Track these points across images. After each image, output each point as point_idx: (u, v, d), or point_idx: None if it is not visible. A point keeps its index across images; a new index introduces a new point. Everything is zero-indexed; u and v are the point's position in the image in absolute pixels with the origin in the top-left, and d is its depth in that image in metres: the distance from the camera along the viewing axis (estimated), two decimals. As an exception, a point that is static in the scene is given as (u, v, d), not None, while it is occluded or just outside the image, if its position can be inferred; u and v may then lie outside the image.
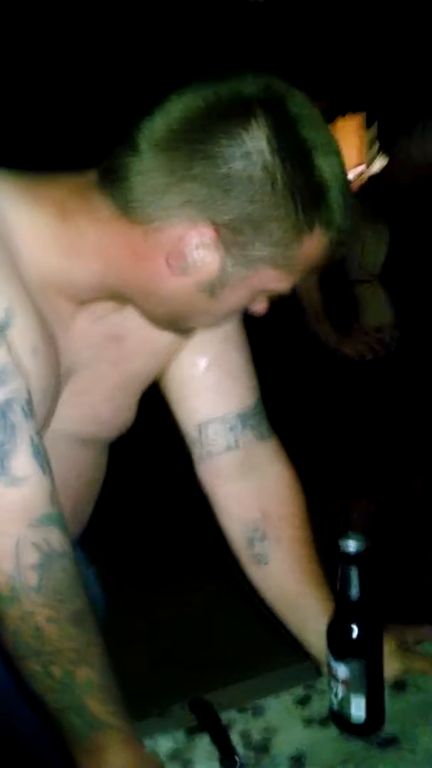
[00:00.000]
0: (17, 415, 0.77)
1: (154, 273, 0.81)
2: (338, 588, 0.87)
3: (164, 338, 0.94)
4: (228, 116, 0.74)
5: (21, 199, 0.81)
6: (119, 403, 1.00)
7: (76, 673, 0.76)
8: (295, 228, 0.77)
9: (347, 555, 0.84)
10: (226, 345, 1.01)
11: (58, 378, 0.87)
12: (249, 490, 1.01)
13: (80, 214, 0.81)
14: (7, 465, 0.75)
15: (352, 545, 0.84)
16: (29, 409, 0.79)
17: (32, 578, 0.76)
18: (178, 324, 0.89)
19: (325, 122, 0.80)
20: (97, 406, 0.97)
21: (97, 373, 0.94)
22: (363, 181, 2.44)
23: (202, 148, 0.74)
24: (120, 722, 0.78)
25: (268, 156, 0.73)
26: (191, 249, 0.77)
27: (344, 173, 0.80)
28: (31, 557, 0.76)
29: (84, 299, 0.87)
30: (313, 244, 0.79)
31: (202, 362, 1.00)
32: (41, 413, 0.84)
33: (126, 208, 0.78)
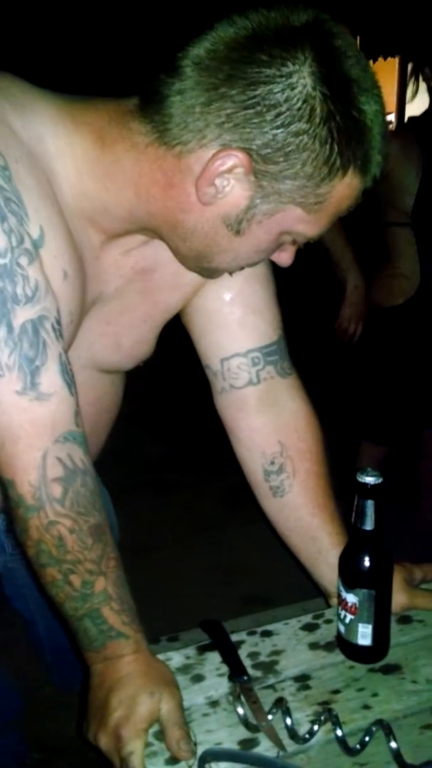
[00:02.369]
0: (48, 333, 0.78)
1: (182, 203, 0.80)
2: (353, 519, 0.88)
3: (192, 272, 0.94)
4: (275, 42, 0.72)
5: (62, 123, 0.81)
6: (142, 334, 1.01)
7: (94, 583, 0.80)
8: (329, 164, 0.75)
9: (364, 487, 0.86)
10: (252, 280, 1.00)
11: (83, 305, 0.88)
12: (269, 424, 1.03)
13: (119, 141, 0.80)
14: (37, 381, 0.77)
15: (369, 478, 0.85)
16: (59, 329, 0.80)
17: (56, 490, 0.78)
18: (202, 263, 0.88)
19: (369, 65, 0.77)
20: (121, 335, 0.99)
21: (124, 304, 0.95)
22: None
23: (243, 69, 0.72)
24: (134, 633, 0.82)
25: (310, 86, 0.72)
26: (221, 174, 0.75)
27: (385, 118, 0.78)
28: (56, 470, 0.78)
29: (114, 232, 0.88)
30: (345, 186, 0.77)
31: (227, 296, 1.00)
32: (66, 337, 0.85)
33: (162, 129, 0.77)
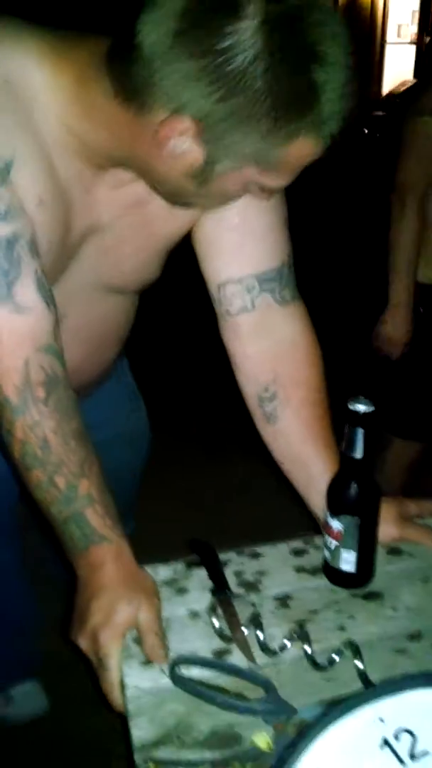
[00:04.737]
0: (23, 250, 0.81)
1: (148, 153, 0.81)
2: (343, 447, 0.88)
3: None
4: (220, 8, 0.70)
5: (46, 58, 0.83)
6: (142, 260, 1.03)
7: (78, 486, 0.83)
8: (275, 130, 0.74)
9: (355, 415, 0.85)
10: (253, 206, 0.98)
11: (68, 233, 0.90)
12: (263, 351, 1.03)
13: (94, 83, 0.81)
14: (13, 292, 0.81)
15: (360, 406, 0.85)
16: (34, 249, 0.83)
17: (40, 392, 0.82)
18: (179, 202, 0.90)
19: (333, 13, 0.75)
20: (121, 263, 1.01)
21: (121, 234, 0.98)
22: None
23: (190, 35, 0.70)
24: (117, 537, 0.85)
25: (251, 52, 0.69)
26: (174, 137, 0.76)
27: (343, 76, 0.74)
28: (39, 375, 0.83)
29: (101, 166, 0.89)
30: (299, 149, 0.77)
31: (226, 222, 0.99)
32: (48, 262, 0.88)
33: (122, 87, 0.78)
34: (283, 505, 1.08)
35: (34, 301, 0.83)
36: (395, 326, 1.86)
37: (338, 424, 0.96)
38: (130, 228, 0.97)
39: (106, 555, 0.84)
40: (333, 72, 0.72)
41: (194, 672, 0.80)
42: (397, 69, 11.74)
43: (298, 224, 1.05)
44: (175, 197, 0.89)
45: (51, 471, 0.82)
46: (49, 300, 0.84)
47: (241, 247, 0.99)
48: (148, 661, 0.82)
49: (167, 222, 0.98)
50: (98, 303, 1.04)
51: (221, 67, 0.70)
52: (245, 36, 0.69)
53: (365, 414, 0.85)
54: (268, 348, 1.02)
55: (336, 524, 0.89)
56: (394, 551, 0.99)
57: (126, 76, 0.76)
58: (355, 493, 0.88)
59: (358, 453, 0.87)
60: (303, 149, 0.77)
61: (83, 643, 0.83)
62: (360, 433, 0.86)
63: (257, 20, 0.69)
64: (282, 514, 1.12)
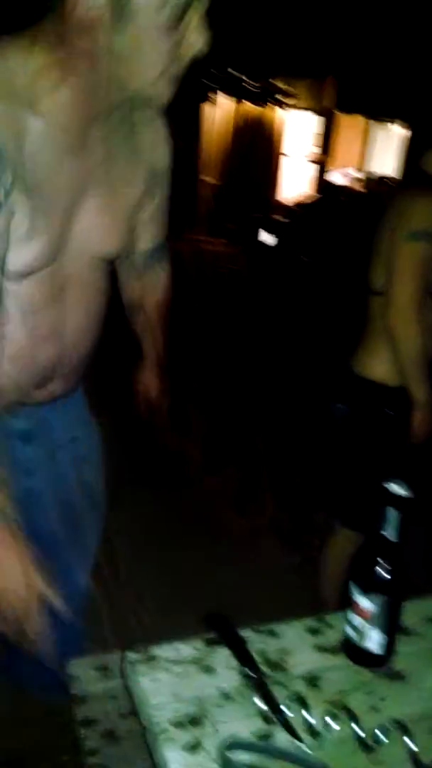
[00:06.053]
0: None
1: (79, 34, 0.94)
2: (378, 527, 0.90)
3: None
4: None
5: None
6: (120, 224, 1.20)
7: None
8: None
9: (396, 498, 0.88)
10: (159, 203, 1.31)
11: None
12: (140, 288, 1.46)
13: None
14: None
15: (401, 489, 0.88)
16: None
17: None
18: (135, 74, 0.98)
19: None
20: (110, 226, 1.17)
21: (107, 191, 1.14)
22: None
23: None
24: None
25: None
26: None
27: None
28: None
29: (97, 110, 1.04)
30: None
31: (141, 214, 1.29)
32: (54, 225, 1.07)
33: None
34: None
35: None
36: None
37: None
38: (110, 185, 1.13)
39: None
40: None
41: (241, 756, 0.77)
42: (296, 181, 12.61)
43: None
44: (135, 56, 0.96)
45: None
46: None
47: (147, 228, 1.33)
48: (193, 746, 0.77)
49: (129, 184, 1.18)
50: (90, 274, 1.18)
51: None
52: None
53: (406, 498, 0.88)
54: (143, 285, 1.44)
55: (366, 603, 0.90)
56: (404, 632, 1.01)
57: None
58: (391, 573, 0.90)
59: (396, 534, 0.89)
60: None
61: None
62: (398, 515, 0.89)
63: None
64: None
